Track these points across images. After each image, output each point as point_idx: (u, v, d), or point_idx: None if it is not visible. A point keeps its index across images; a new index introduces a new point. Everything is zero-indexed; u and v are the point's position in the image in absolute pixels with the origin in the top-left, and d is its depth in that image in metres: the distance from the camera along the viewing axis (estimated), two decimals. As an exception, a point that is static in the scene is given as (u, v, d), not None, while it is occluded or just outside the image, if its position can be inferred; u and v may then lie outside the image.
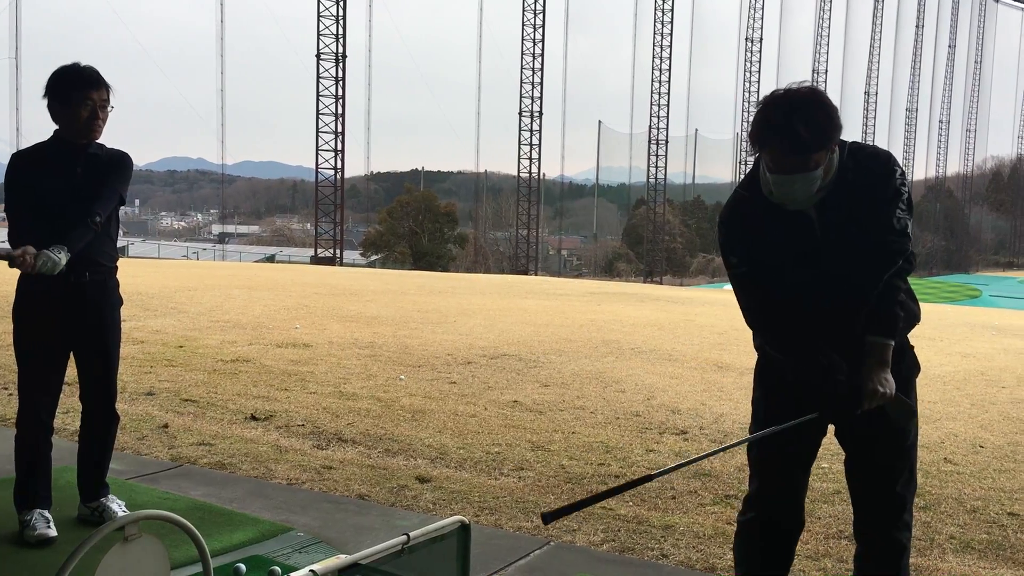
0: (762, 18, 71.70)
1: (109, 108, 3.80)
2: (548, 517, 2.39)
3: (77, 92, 3.68)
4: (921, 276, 74.61)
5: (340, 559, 3.09)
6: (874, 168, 2.62)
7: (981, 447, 6.46)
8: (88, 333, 3.88)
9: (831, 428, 2.91)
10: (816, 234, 2.65)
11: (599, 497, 2.51)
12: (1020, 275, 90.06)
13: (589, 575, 3.65)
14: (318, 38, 50.56)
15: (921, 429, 6.83)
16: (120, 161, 3.89)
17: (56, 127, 3.77)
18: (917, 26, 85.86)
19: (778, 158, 2.53)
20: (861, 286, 2.66)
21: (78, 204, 3.65)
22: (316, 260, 49.96)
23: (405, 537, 3.14)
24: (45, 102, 3.72)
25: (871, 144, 2.76)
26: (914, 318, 2.82)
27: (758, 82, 72.23)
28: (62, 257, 3.47)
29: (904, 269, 2.63)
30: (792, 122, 2.45)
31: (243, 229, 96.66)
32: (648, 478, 2.53)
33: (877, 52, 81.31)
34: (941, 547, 4.37)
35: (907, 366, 2.84)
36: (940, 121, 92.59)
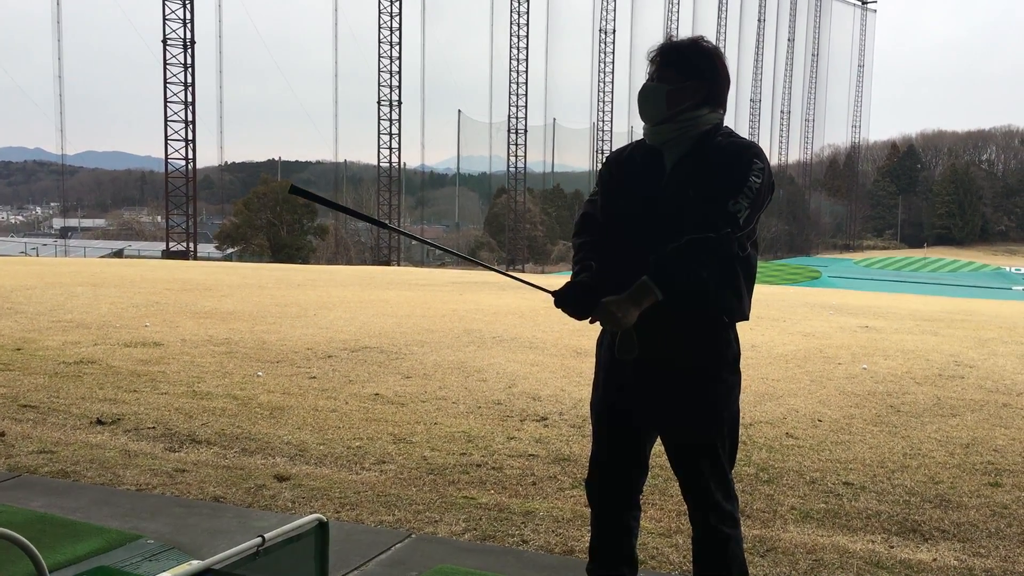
0: (615, 10, 73.51)
1: None
2: (294, 189, 2.99)
3: None
4: (766, 259, 78.37)
5: (191, 565, 3.00)
6: (737, 153, 2.71)
7: (820, 421, 6.86)
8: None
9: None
10: (661, 183, 2.78)
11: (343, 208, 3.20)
12: (856, 256, 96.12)
13: (450, 566, 3.67)
14: (164, 22, 48.53)
15: (765, 405, 7.24)
16: None
17: None
18: (759, 20, 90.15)
19: (650, 71, 2.83)
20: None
21: None
22: (168, 254, 48.04)
23: (260, 539, 3.07)
24: None
25: (749, 139, 2.85)
26: (727, 309, 2.78)
27: (612, 72, 74.02)
28: None
29: (711, 244, 2.62)
30: (674, 42, 2.82)
31: (87, 223, 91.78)
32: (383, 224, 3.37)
33: (723, 45, 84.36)
34: (783, 518, 4.62)
35: (712, 356, 2.80)
36: (782, 111, 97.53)
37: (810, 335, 12.14)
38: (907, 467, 5.62)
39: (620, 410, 2.90)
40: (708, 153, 2.74)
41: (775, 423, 6.72)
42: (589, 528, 3.38)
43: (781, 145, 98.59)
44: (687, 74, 2.76)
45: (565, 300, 2.82)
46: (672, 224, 2.70)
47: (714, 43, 2.84)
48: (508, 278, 3.29)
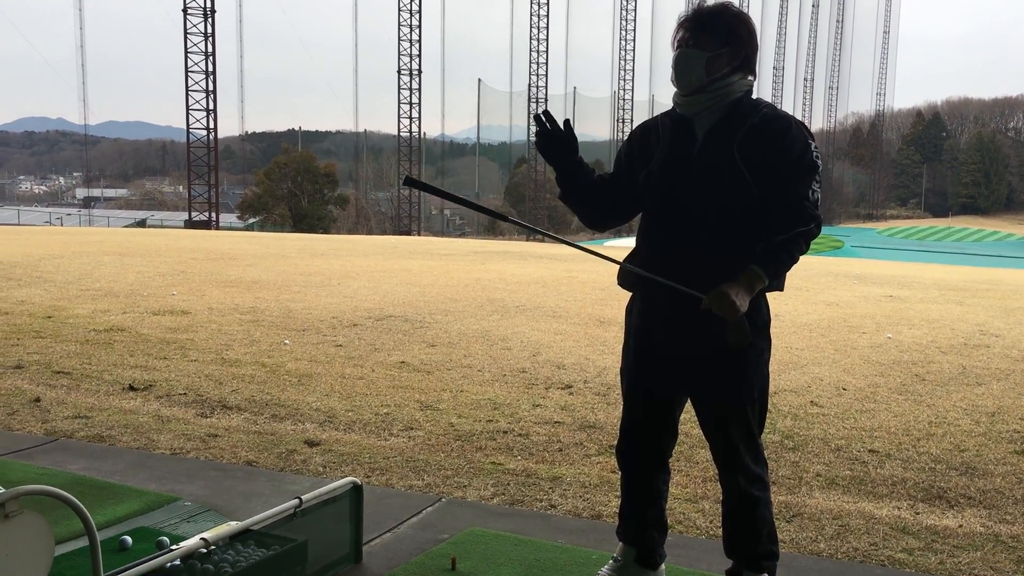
0: (637, -24, 72.55)
1: None
2: (409, 180, 2.87)
3: None
4: (789, 229, 77.40)
5: (231, 525, 3.09)
6: (788, 135, 2.72)
7: (844, 390, 6.86)
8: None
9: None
10: (694, 149, 2.79)
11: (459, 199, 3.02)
12: (879, 226, 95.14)
13: (480, 528, 3.73)
14: (184, -9, 48.38)
15: (790, 374, 7.25)
16: None
17: None
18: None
19: (682, 37, 2.81)
20: (732, 229, 2.72)
21: None
22: (190, 224, 48.30)
23: (297, 500, 3.16)
24: None
25: (784, 111, 2.86)
26: (782, 282, 2.86)
27: (634, 40, 73.22)
28: None
29: (813, 233, 2.72)
30: (708, 7, 2.79)
31: (110, 193, 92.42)
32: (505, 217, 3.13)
33: (746, 11, 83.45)
34: (808, 484, 4.66)
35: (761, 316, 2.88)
36: (805, 79, 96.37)
37: (834, 304, 12.10)
38: (932, 435, 5.63)
39: (651, 375, 2.93)
40: (744, 125, 2.74)
41: (800, 391, 6.73)
42: (617, 494, 3.43)
43: (804, 113, 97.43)
44: (722, 39, 2.75)
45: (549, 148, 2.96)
46: (706, 188, 2.72)
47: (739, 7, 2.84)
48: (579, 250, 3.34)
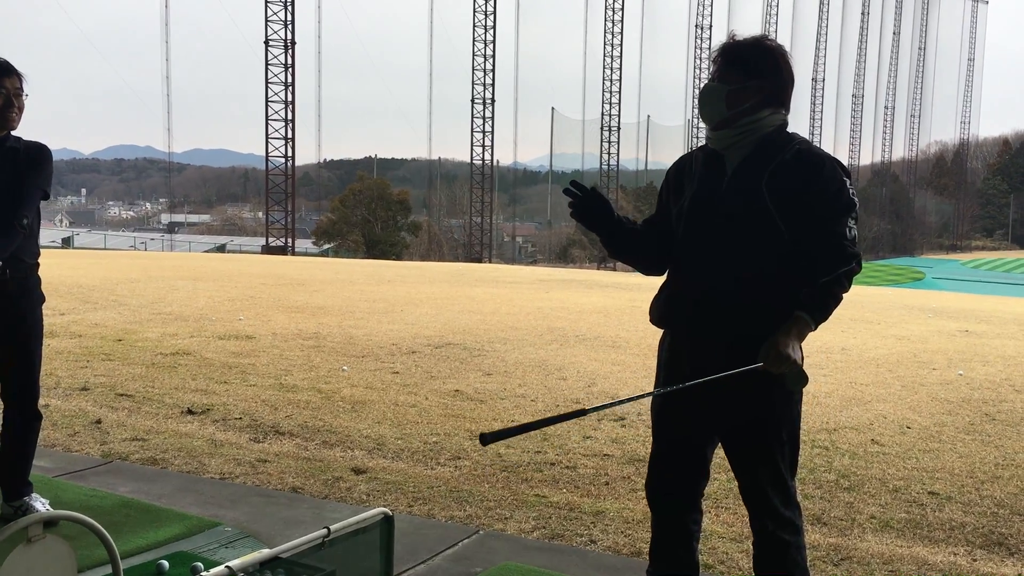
0: (711, 4, 72.28)
1: (24, 97, 3.74)
2: (486, 438, 2.48)
3: None
4: (868, 260, 75.75)
5: (261, 553, 3.11)
6: (822, 172, 2.67)
7: (908, 428, 6.63)
8: (8, 332, 3.83)
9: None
10: (723, 184, 2.76)
11: (536, 425, 2.60)
12: (963, 257, 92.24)
13: (515, 563, 3.69)
14: (266, 24, 49.97)
15: (851, 411, 7.05)
16: (39, 155, 3.83)
17: None
18: (862, 13, 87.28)
19: (712, 71, 2.82)
20: (753, 262, 2.68)
21: (1, 204, 3.60)
22: (267, 250, 49.46)
23: (326, 530, 3.16)
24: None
25: (819, 147, 2.80)
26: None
27: (708, 68, 72.70)
28: None
29: (855, 271, 2.67)
30: (736, 42, 2.78)
31: (193, 218, 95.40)
32: (582, 412, 2.68)
33: (824, 40, 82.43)
34: (861, 527, 4.50)
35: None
36: (885, 107, 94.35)
37: (904, 338, 11.74)
38: (998, 478, 5.39)
39: (678, 413, 2.88)
40: (774, 160, 2.69)
41: (861, 429, 6.53)
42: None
43: (885, 142, 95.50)
44: (748, 74, 2.71)
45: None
46: (732, 223, 2.68)
47: (777, 41, 2.79)
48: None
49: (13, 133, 3.78)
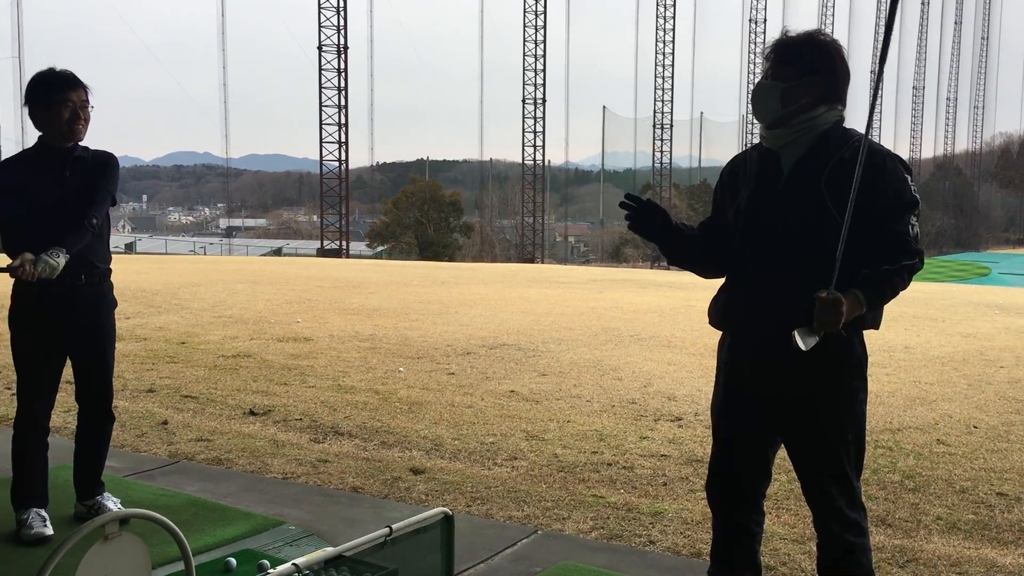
0: (765, -1, 71.33)
1: (90, 108, 3.86)
2: None
3: (56, 94, 3.75)
4: (931, 255, 73.99)
5: (324, 552, 3.17)
6: (883, 170, 2.63)
7: (975, 428, 6.49)
8: (83, 336, 3.95)
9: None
10: (779, 183, 2.74)
11: None
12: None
13: (574, 563, 3.70)
14: (319, 29, 50.58)
15: (916, 410, 6.92)
16: (107, 162, 3.95)
17: (40, 134, 3.83)
18: (922, 3, 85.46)
19: (765, 68, 2.80)
20: (817, 258, 2.62)
21: (71, 208, 3.72)
22: (322, 252, 50.09)
23: (388, 529, 3.21)
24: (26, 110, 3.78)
25: (879, 144, 2.76)
26: (878, 318, 2.77)
27: (761, 64, 71.77)
28: (60, 260, 3.55)
29: (917, 267, 2.64)
30: (789, 38, 2.76)
31: (250, 222, 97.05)
32: None
33: (882, 31, 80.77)
34: (927, 528, 4.42)
35: (835, 360, 2.72)
36: (947, 99, 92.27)
37: (971, 336, 11.46)
38: (1070, 479, 5.25)
39: (738, 414, 2.86)
40: (846, 158, 2.65)
41: (926, 429, 6.40)
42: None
43: (947, 134, 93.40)
44: (802, 70, 2.68)
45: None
46: (790, 223, 2.65)
47: (831, 36, 2.76)
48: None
49: (80, 143, 3.90)
